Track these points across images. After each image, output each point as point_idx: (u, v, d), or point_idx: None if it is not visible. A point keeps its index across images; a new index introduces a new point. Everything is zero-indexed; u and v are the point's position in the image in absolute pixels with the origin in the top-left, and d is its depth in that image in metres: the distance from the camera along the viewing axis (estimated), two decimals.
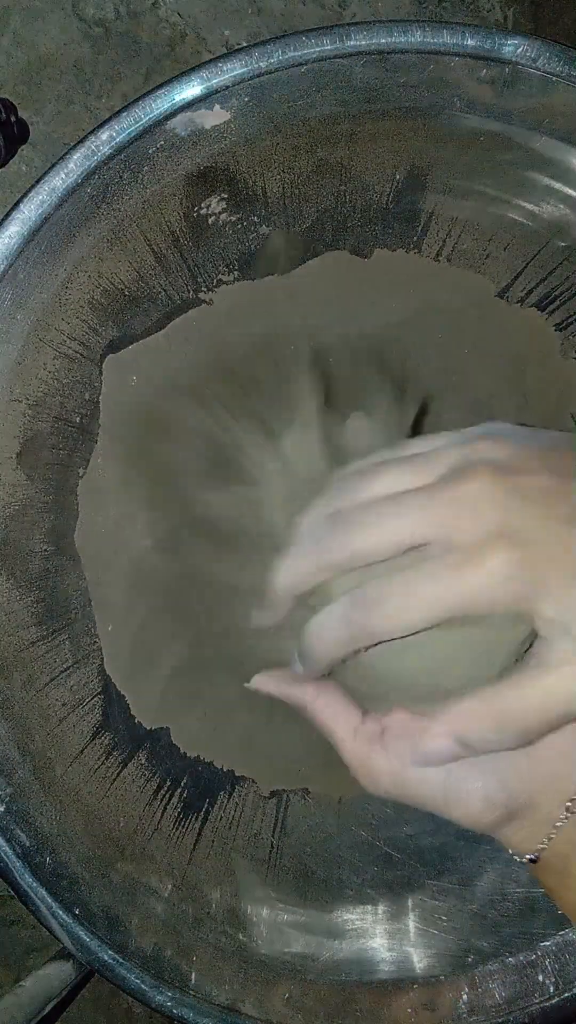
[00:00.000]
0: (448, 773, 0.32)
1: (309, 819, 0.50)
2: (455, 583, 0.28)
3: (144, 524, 0.49)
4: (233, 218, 0.47)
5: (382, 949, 0.49)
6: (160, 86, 0.42)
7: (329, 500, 0.32)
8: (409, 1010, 0.46)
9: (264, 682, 0.36)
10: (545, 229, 0.48)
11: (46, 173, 0.42)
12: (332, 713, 0.34)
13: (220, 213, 0.47)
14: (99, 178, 0.43)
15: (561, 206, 0.47)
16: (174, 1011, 0.45)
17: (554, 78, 0.42)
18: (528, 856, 0.35)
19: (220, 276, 0.48)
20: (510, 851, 0.36)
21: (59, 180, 0.42)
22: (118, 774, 0.49)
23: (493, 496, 0.29)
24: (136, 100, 0.42)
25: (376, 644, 0.31)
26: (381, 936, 0.49)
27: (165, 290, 0.47)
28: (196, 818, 0.50)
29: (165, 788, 0.50)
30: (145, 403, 0.48)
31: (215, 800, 0.50)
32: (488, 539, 0.28)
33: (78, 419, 0.48)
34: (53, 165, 0.42)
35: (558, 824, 0.34)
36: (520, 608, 0.29)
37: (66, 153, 0.42)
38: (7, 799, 0.45)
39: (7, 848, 0.44)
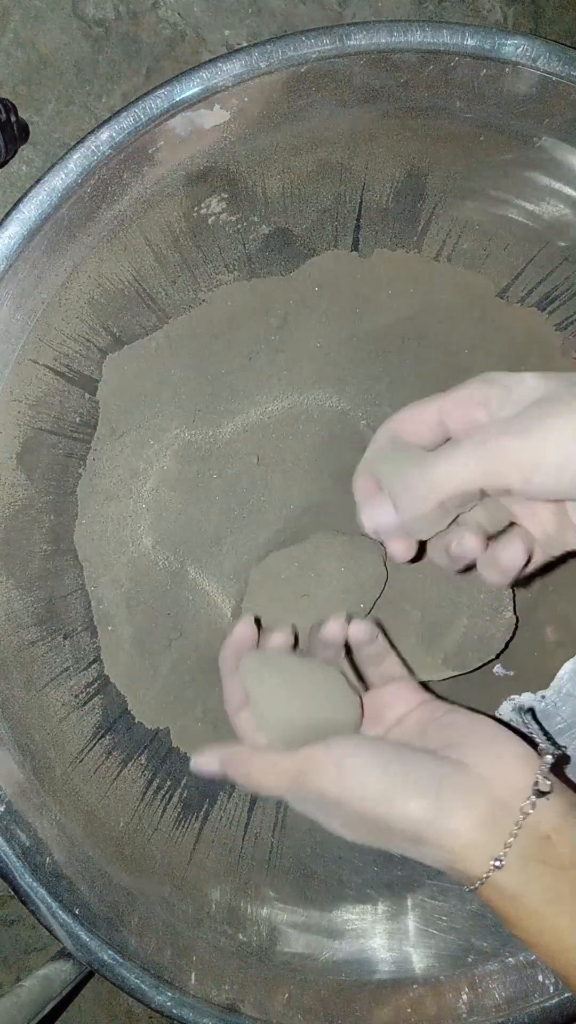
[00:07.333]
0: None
1: (309, 819, 0.50)
2: None
3: (144, 524, 0.49)
4: (233, 218, 0.47)
5: (382, 949, 0.49)
6: (160, 86, 0.42)
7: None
8: (409, 1010, 0.46)
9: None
10: (545, 229, 0.48)
11: (46, 173, 0.42)
12: None
13: (220, 213, 0.47)
14: (99, 178, 0.43)
15: (561, 206, 0.47)
16: (174, 1011, 0.45)
17: (554, 78, 0.42)
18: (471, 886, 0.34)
19: (220, 276, 0.48)
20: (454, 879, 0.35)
21: (59, 180, 0.42)
22: (118, 774, 0.49)
23: None
24: (136, 100, 0.42)
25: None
26: (381, 936, 0.49)
27: (165, 290, 0.47)
28: (196, 818, 0.50)
29: (165, 788, 0.50)
30: (144, 403, 0.48)
31: (215, 800, 0.50)
32: None
33: (77, 419, 0.48)
34: (53, 165, 0.42)
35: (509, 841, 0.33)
36: None
37: (66, 153, 0.42)
38: (7, 799, 0.45)
39: (7, 848, 0.44)
